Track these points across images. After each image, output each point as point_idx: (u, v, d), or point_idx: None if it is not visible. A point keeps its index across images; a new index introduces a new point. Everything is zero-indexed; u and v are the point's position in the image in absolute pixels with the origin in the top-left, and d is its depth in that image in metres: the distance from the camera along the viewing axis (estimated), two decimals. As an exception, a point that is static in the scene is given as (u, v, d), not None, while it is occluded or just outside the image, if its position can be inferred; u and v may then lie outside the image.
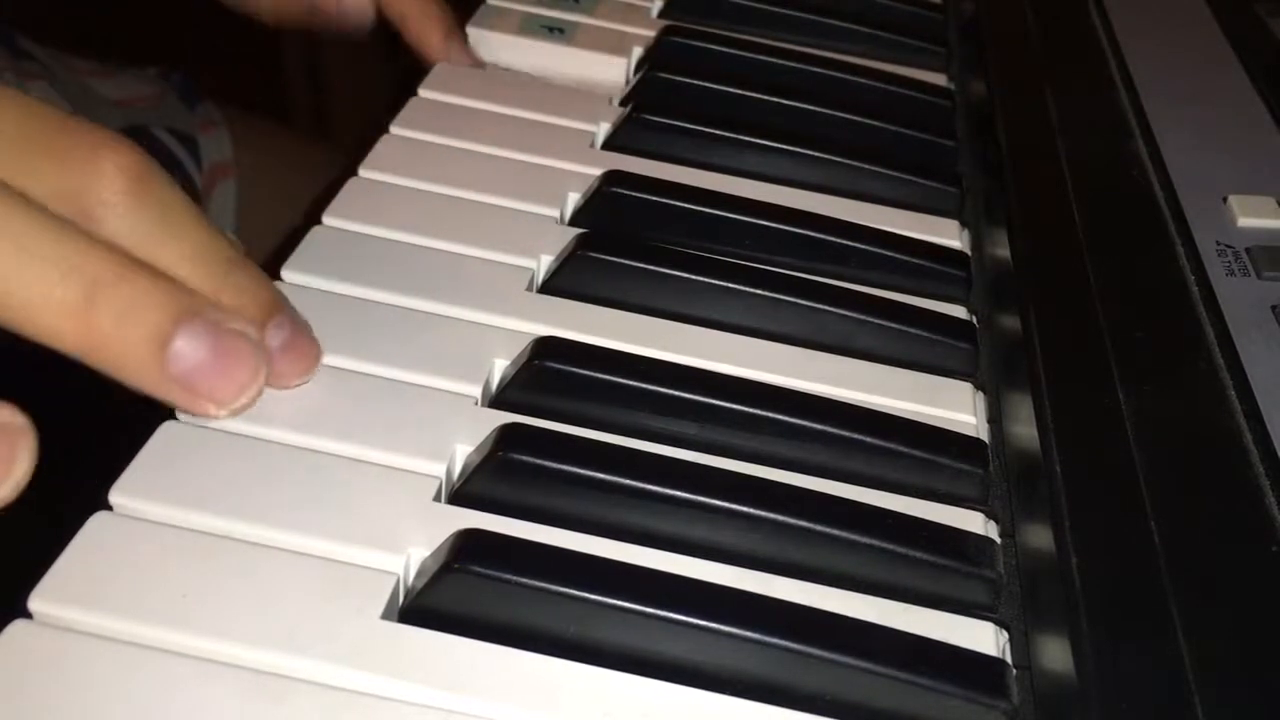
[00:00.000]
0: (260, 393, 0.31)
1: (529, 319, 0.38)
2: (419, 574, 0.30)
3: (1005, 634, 0.31)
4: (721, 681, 0.29)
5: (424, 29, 0.51)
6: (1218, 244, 0.41)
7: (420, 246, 0.40)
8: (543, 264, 0.40)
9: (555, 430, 0.34)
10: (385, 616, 0.29)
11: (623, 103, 0.50)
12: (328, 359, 0.35)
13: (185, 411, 0.31)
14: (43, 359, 0.29)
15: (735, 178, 0.46)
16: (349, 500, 0.31)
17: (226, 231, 0.32)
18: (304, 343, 0.33)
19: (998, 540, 0.34)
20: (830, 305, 0.40)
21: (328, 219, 0.40)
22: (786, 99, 0.50)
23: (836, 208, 0.45)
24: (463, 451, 0.33)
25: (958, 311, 0.42)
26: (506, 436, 0.33)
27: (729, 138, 0.47)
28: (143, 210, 0.29)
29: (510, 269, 0.40)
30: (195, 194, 0.63)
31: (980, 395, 0.39)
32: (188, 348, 0.28)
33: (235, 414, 0.31)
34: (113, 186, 0.29)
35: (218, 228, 0.32)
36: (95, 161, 0.29)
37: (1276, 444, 0.33)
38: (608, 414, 0.35)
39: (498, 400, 0.35)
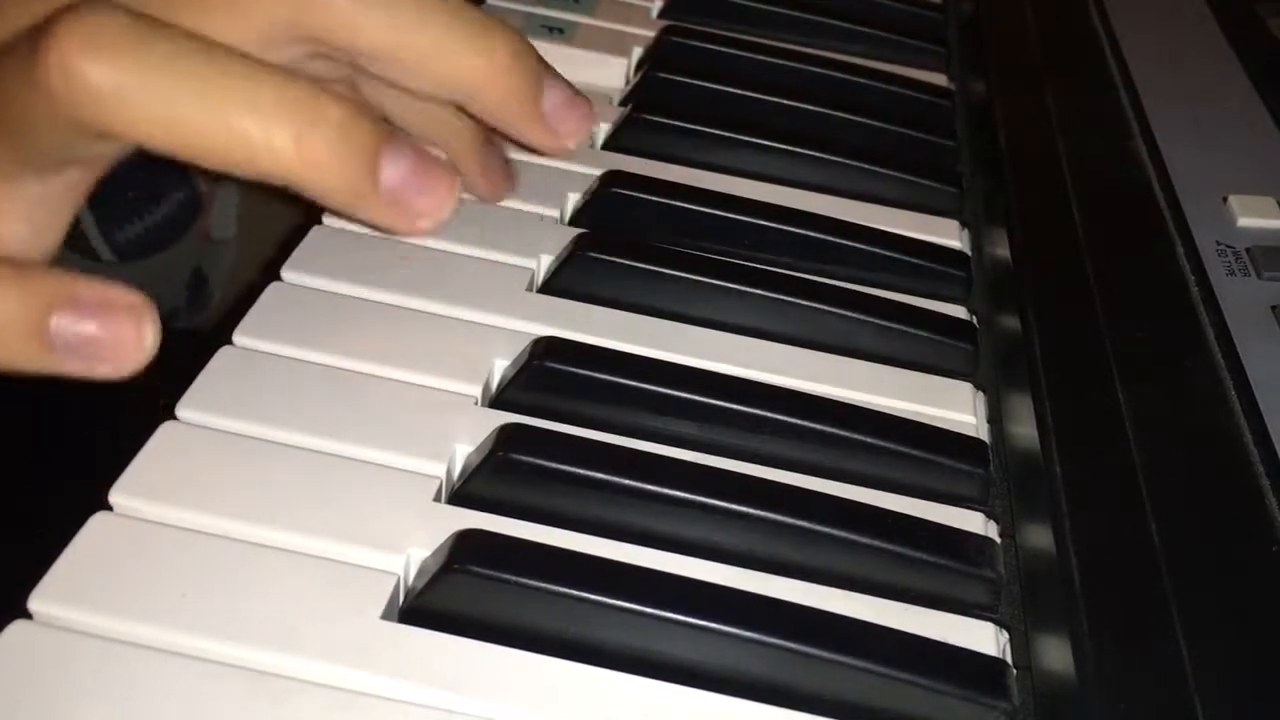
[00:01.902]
0: (455, 208, 0.32)
1: (529, 319, 0.38)
2: (419, 574, 0.30)
3: (1005, 634, 0.31)
4: (721, 681, 0.29)
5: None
6: (1218, 244, 0.41)
7: (421, 246, 0.40)
8: (543, 264, 0.40)
9: (555, 430, 0.34)
10: (385, 616, 0.29)
11: (623, 103, 0.50)
12: (327, 359, 0.35)
13: (392, 229, 0.32)
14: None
15: (735, 178, 0.46)
16: (349, 500, 0.31)
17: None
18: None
19: (998, 540, 0.34)
20: (830, 305, 0.40)
21: (328, 219, 0.40)
22: (786, 99, 0.50)
23: (836, 208, 0.45)
24: (463, 451, 0.33)
25: (958, 311, 0.42)
26: (506, 436, 0.33)
27: (729, 138, 0.47)
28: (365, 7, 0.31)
29: (510, 269, 0.40)
30: (197, 194, 0.63)
31: (980, 395, 0.39)
32: (393, 166, 0.30)
33: (434, 228, 0.32)
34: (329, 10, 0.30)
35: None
36: None
37: (1276, 444, 0.33)
38: (608, 414, 0.35)
39: (498, 400, 0.35)
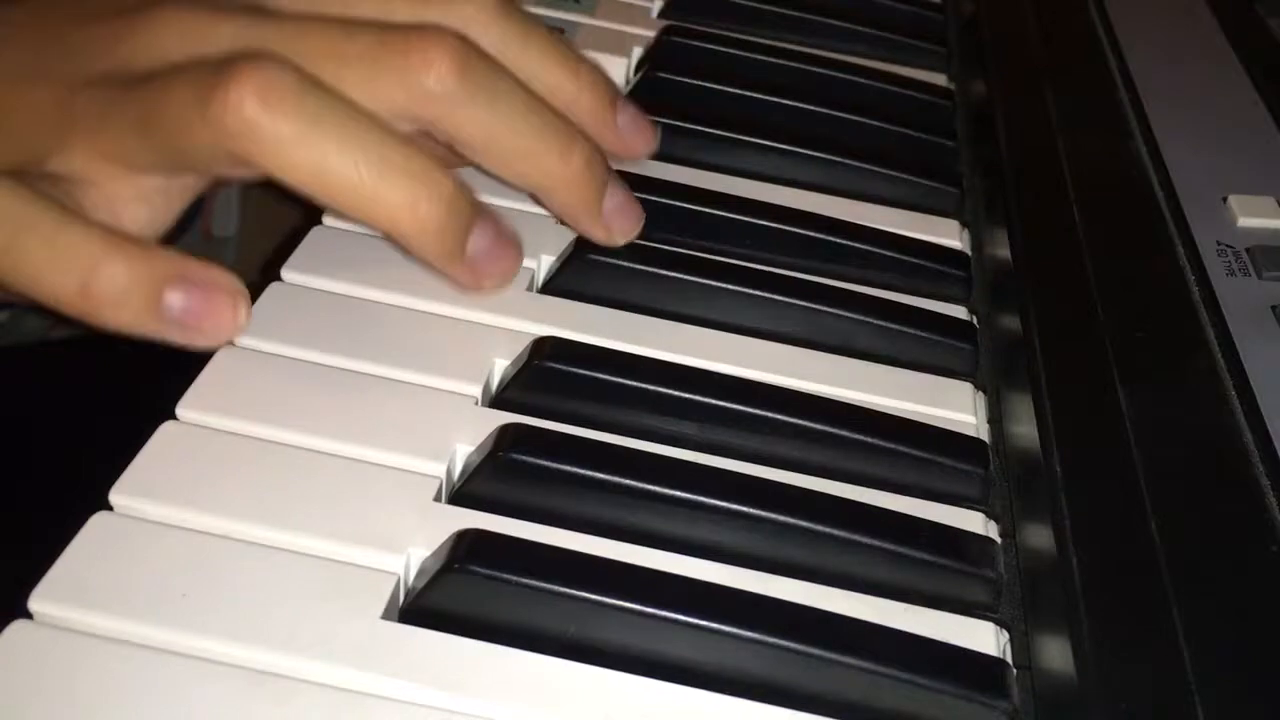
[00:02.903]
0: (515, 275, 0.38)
1: (529, 319, 0.38)
2: (419, 574, 0.30)
3: (1005, 634, 0.31)
4: (721, 681, 0.29)
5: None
6: (1218, 244, 0.41)
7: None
8: (543, 264, 0.40)
9: (555, 430, 0.34)
10: (385, 616, 0.29)
11: (623, 103, 0.50)
12: (327, 359, 0.35)
13: (463, 286, 0.37)
14: (43, 360, 0.29)
15: (735, 178, 0.46)
16: (349, 500, 0.31)
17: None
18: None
19: (998, 540, 0.34)
20: (830, 306, 0.40)
21: (328, 219, 0.40)
22: (787, 99, 0.50)
23: (836, 208, 0.45)
24: (463, 451, 0.33)
25: (958, 311, 0.42)
26: (506, 436, 0.33)
27: (729, 138, 0.47)
28: (471, 104, 0.35)
29: (510, 269, 0.40)
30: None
31: (980, 395, 0.39)
32: (480, 240, 0.36)
33: (497, 290, 0.38)
34: (439, 83, 0.35)
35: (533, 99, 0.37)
36: (423, 64, 0.35)
37: (1276, 444, 0.33)
38: (608, 414, 0.35)
39: (498, 400, 0.35)
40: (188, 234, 0.64)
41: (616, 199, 0.39)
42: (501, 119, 0.36)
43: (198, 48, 0.34)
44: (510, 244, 0.37)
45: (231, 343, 0.35)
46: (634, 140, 0.41)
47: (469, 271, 0.36)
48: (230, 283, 0.33)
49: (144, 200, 0.35)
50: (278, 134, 0.32)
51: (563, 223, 0.41)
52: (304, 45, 0.34)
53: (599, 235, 0.39)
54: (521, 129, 0.36)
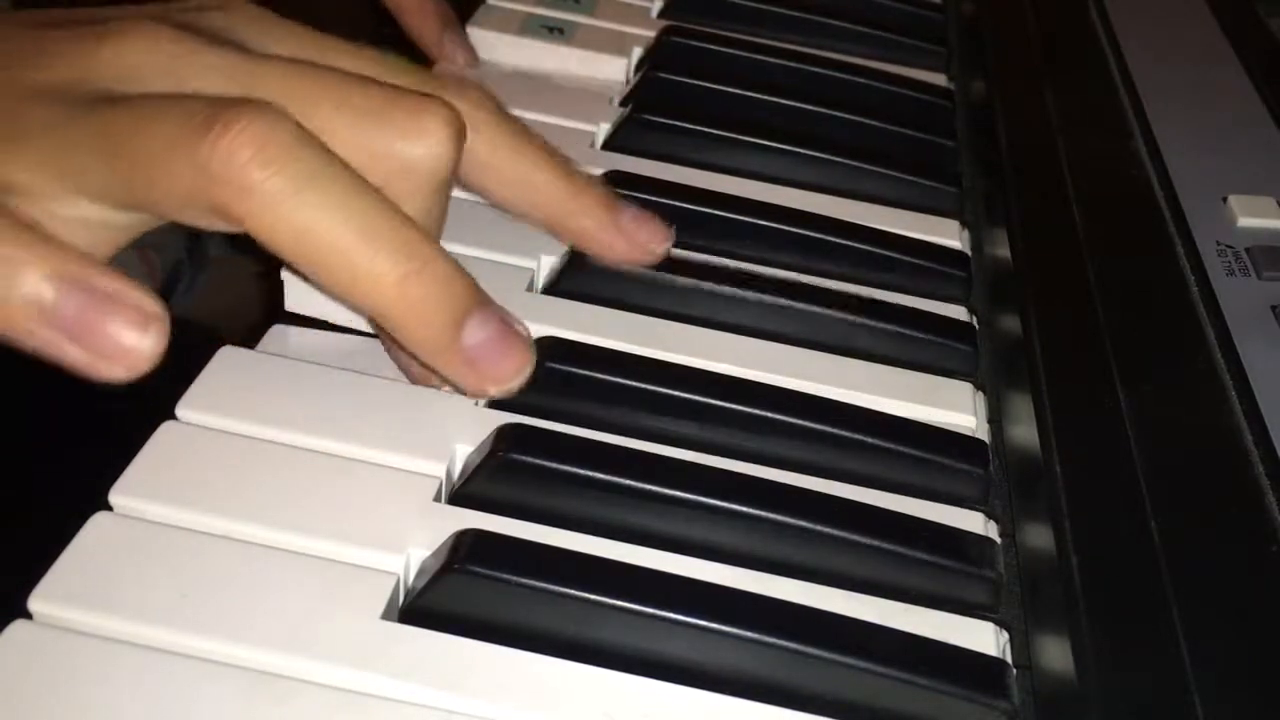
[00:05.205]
0: (525, 380, 0.34)
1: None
2: (419, 574, 0.30)
3: (1005, 634, 0.31)
4: (722, 681, 0.29)
5: (421, 22, 0.53)
6: (1218, 244, 0.41)
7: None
8: (543, 264, 0.40)
9: (555, 430, 0.34)
10: (385, 616, 0.29)
11: (623, 103, 0.50)
12: (326, 358, 0.35)
13: (460, 387, 0.33)
14: (43, 360, 0.29)
15: (735, 178, 0.46)
16: (349, 500, 0.31)
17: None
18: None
19: (998, 540, 0.34)
20: (829, 307, 0.40)
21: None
22: (786, 99, 0.50)
23: (836, 208, 0.45)
24: (463, 451, 0.33)
25: (958, 311, 0.42)
26: (506, 436, 0.33)
27: (729, 138, 0.47)
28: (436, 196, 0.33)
29: (510, 269, 0.40)
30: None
31: (980, 395, 0.39)
32: (479, 331, 0.32)
33: (504, 395, 0.34)
34: (427, 166, 0.33)
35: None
36: (420, 130, 0.32)
37: (1276, 444, 0.33)
38: (608, 414, 0.35)
39: (498, 400, 0.35)
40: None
41: (635, 230, 0.39)
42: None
43: (180, 78, 0.31)
44: (518, 340, 0.33)
45: (232, 343, 0.35)
46: (643, 236, 0.39)
47: (466, 367, 0.32)
48: (143, 299, 0.29)
49: (85, 226, 0.31)
50: (267, 190, 0.29)
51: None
52: (300, 89, 0.32)
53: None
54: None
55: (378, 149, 0.32)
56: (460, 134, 0.33)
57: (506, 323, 0.33)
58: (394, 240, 0.30)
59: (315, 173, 0.30)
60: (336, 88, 0.32)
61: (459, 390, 0.34)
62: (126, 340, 0.29)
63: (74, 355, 0.29)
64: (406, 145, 0.32)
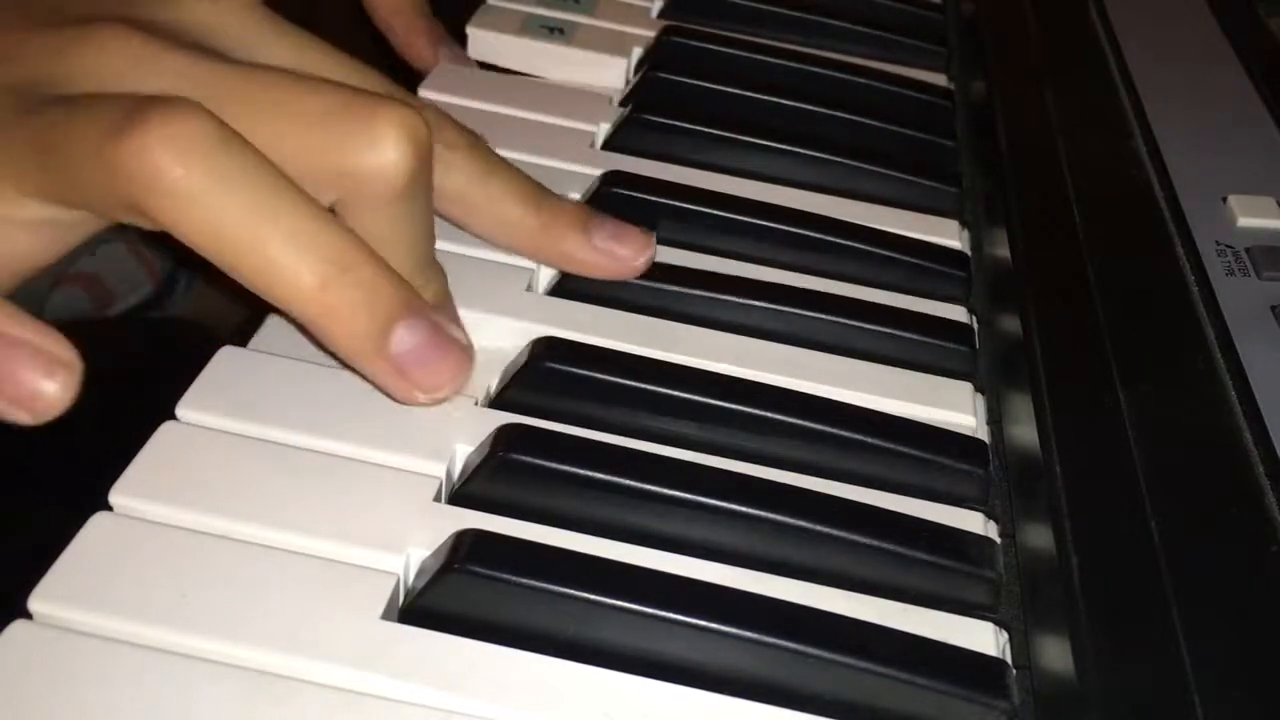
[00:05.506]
0: (460, 390, 0.33)
1: (529, 319, 0.38)
2: (419, 574, 0.30)
3: (1005, 634, 0.31)
4: (721, 681, 0.29)
5: (410, 37, 0.53)
6: (1218, 244, 0.41)
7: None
8: (542, 265, 0.40)
9: (555, 430, 0.34)
10: (385, 616, 0.29)
11: (623, 103, 0.50)
12: (327, 359, 0.35)
13: (389, 393, 0.33)
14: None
15: (735, 178, 0.46)
16: (349, 500, 0.31)
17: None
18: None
19: (998, 540, 0.34)
20: (829, 308, 0.40)
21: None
22: (786, 99, 0.50)
23: (837, 208, 0.45)
24: (463, 451, 0.33)
25: (957, 312, 0.42)
26: (506, 436, 0.33)
27: (729, 138, 0.47)
28: (406, 202, 0.32)
29: (510, 269, 0.40)
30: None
31: (980, 396, 0.39)
32: (408, 337, 0.31)
33: (434, 404, 0.33)
34: (383, 180, 0.31)
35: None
36: (371, 150, 0.31)
37: (1276, 444, 0.33)
38: (608, 414, 0.35)
39: (498, 400, 0.35)
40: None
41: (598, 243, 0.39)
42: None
43: (139, 80, 0.31)
44: (451, 347, 0.32)
45: (233, 343, 0.35)
46: (623, 251, 0.39)
47: (394, 375, 0.31)
48: (52, 344, 0.29)
49: (29, 229, 0.31)
50: (177, 188, 0.28)
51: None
52: (251, 92, 0.31)
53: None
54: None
55: (330, 157, 0.31)
56: (421, 143, 0.31)
57: (439, 330, 0.32)
58: (316, 243, 0.30)
59: (234, 171, 0.29)
60: (292, 93, 0.31)
61: (389, 395, 0.33)
62: (33, 386, 0.29)
63: None
64: (358, 153, 0.31)
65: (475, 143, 0.38)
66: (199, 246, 0.29)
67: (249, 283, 0.30)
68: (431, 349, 0.31)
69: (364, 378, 0.33)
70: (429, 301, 0.33)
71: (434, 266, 0.35)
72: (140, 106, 0.29)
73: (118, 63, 0.31)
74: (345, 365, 0.32)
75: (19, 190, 0.30)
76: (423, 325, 0.31)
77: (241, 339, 0.35)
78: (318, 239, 0.30)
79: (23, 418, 0.29)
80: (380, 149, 0.31)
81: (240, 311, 0.36)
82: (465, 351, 0.32)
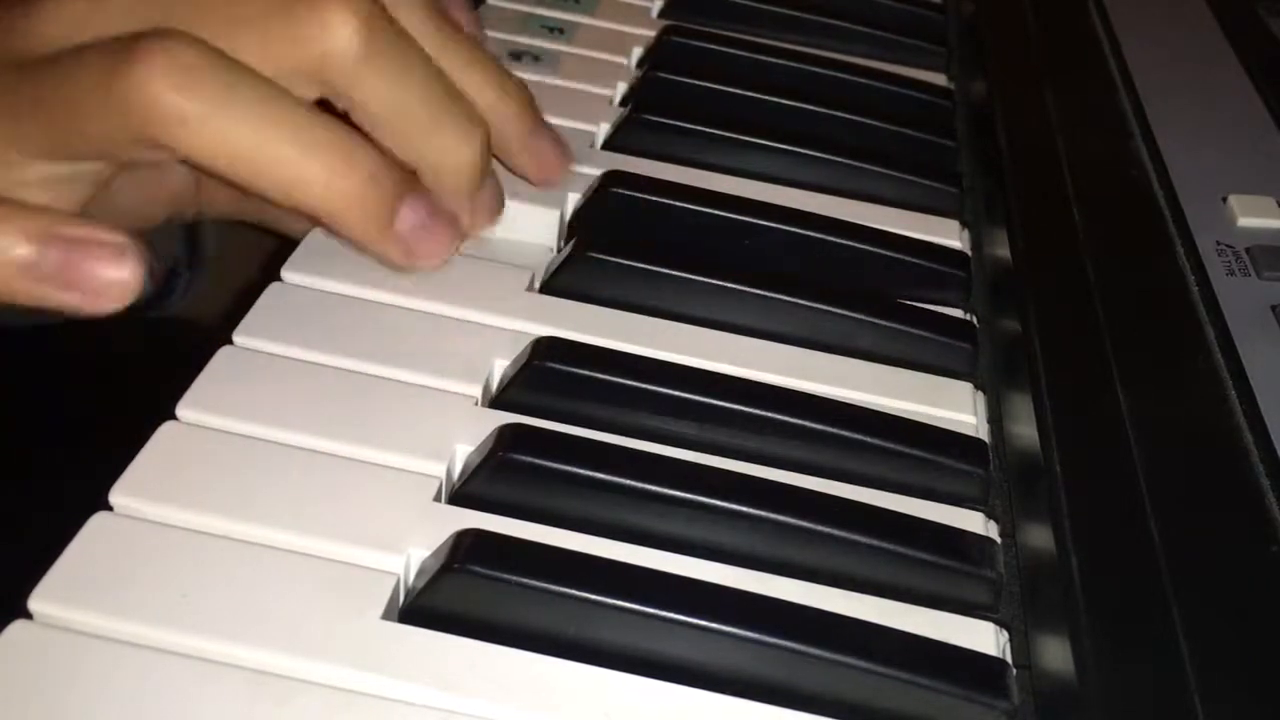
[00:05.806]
0: (454, 253, 0.36)
1: (529, 319, 0.38)
2: (419, 574, 0.30)
3: (1005, 634, 0.31)
4: (721, 681, 0.29)
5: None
6: (1218, 244, 0.41)
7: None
8: (542, 264, 0.40)
9: (555, 430, 0.34)
10: (385, 616, 0.29)
11: (623, 103, 0.50)
12: (326, 359, 0.35)
13: (393, 264, 0.36)
14: (43, 361, 0.29)
15: (735, 178, 0.46)
16: (349, 500, 0.31)
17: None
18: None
19: (998, 540, 0.34)
20: (830, 306, 0.40)
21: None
22: (786, 99, 0.50)
23: (837, 208, 0.45)
24: (463, 451, 0.33)
25: (957, 312, 0.42)
26: (506, 436, 0.33)
27: (729, 138, 0.47)
28: (374, 71, 0.34)
29: (511, 269, 0.40)
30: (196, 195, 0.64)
31: (980, 395, 0.39)
32: (410, 215, 0.34)
33: (431, 269, 0.36)
34: (344, 53, 0.33)
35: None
36: (323, 31, 0.33)
37: (1276, 444, 0.33)
38: (608, 414, 0.35)
39: (498, 400, 0.35)
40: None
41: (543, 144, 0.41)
42: (405, 91, 0.34)
43: (98, 29, 0.33)
44: (445, 221, 0.36)
45: (231, 342, 0.35)
46: (549, 158, 0.42)
47: (400, 248, 0.35)
48: (111, 236, 0.32)
49: (45, 186, 0.33)
50: (185, 113, 0.31)
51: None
52: (196, 12, 0.33)
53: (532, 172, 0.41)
54: (424, 104, 0.35)
55: (294, 54, 0.33)
56: (370, 14, 0.33)
57: (433, 206, 0.35)
58: (317, 140, 0.32)
59: (228, 91, 0.31)
60: (237, 5, 0.33)
61: (391, 266, 0.36)
62: (109, 275, 0.31)
63: (69, 300, 0.31)
64: (312, 41, 0.33)
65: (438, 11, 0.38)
66: (212, 165, 0.32)
67: (264, 189, 0.32)
68: (432, 223, 0.35)
69: (374, 257, 0.36)
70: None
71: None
72: (129, 46, 0.31)
73: (70, 22, 0.33)
74: (343, 360, 0.32)
75: (23, 153, 0.32)
76: (421, 202, 0.35)
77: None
78: (318, 136, 0.32)
79: (109, 306, 0.32)
80: (331, 30, 0.33)
81: (240, 311, 0.36)
82: (456, 222, 0.36)
